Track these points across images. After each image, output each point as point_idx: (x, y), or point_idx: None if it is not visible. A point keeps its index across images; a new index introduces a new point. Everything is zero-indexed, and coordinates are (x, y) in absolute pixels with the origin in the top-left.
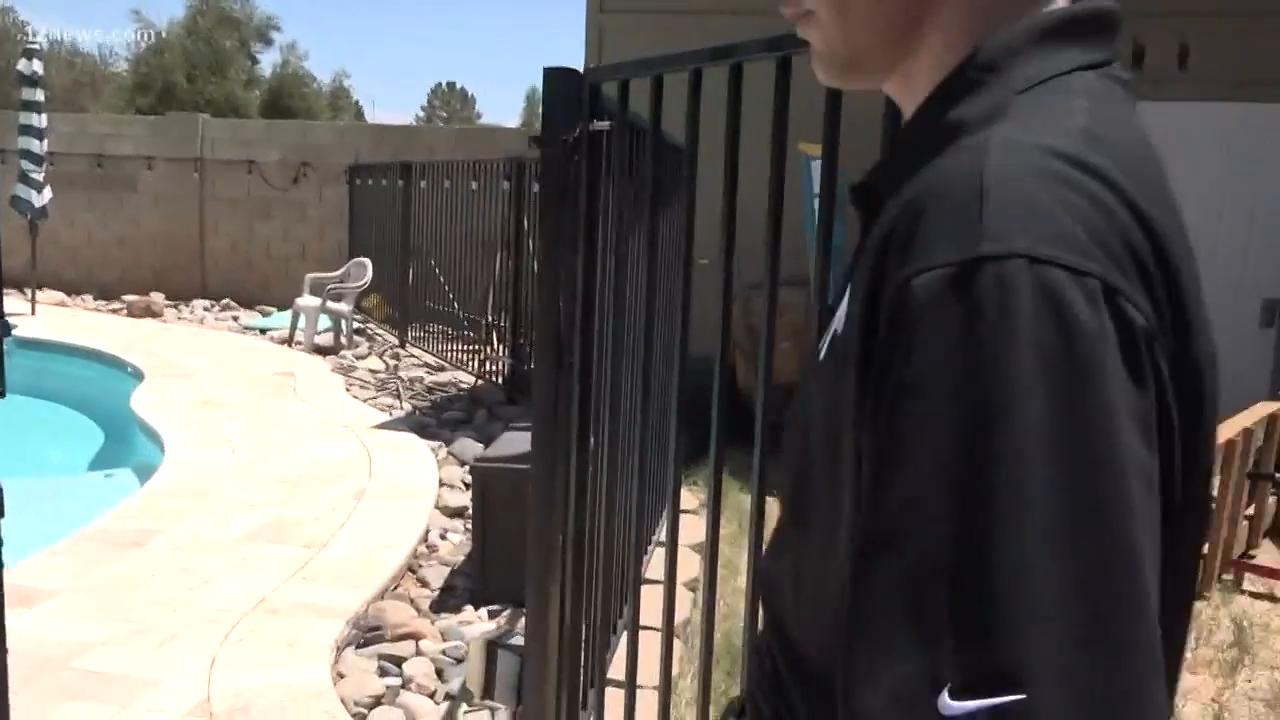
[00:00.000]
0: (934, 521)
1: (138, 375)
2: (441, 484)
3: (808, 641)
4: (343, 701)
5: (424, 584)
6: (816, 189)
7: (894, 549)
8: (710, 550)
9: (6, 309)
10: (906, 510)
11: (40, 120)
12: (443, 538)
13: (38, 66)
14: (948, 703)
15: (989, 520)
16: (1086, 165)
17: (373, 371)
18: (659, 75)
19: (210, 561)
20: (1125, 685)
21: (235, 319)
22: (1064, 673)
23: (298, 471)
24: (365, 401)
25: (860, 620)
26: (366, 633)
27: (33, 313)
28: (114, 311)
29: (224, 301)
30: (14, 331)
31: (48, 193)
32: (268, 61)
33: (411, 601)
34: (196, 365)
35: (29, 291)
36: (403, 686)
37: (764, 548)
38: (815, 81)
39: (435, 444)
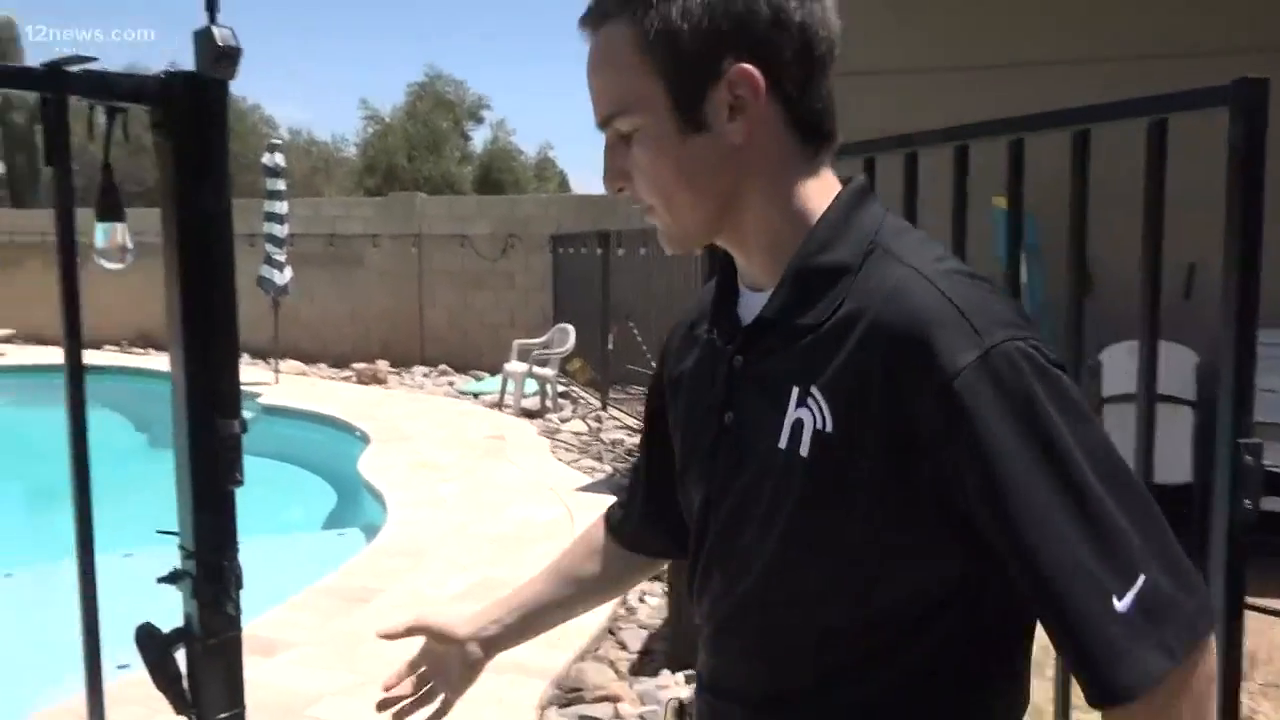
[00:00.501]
0: (1068, 526)
1: (364, 439)
2: None
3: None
4: None
5: (622, 646)
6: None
7: (1052, 549)
8: None
9: (254, 379)
10: (1046, 527)
11: (282, 207)
12: (641, 600)
13: (280, 159)
14: (1118, 604)
15: (1093, 505)
16: (973, 274)
17: (576, 434)
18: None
19: None
20: (1175, 552)
21: (450, 384)
22: (1152, 555)
23: (506, 533)
24: (569, 464)
25: (1062, 595)
26: (568, 693)
27: (276, 381)
28: (345, 379)
29: (440, 367)
30: (260, 399)
31: (288, 272)
32: (479, 138)
33: (611, 664)
34: (415, 429)
35: (273, 362)
36: None
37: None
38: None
39: None
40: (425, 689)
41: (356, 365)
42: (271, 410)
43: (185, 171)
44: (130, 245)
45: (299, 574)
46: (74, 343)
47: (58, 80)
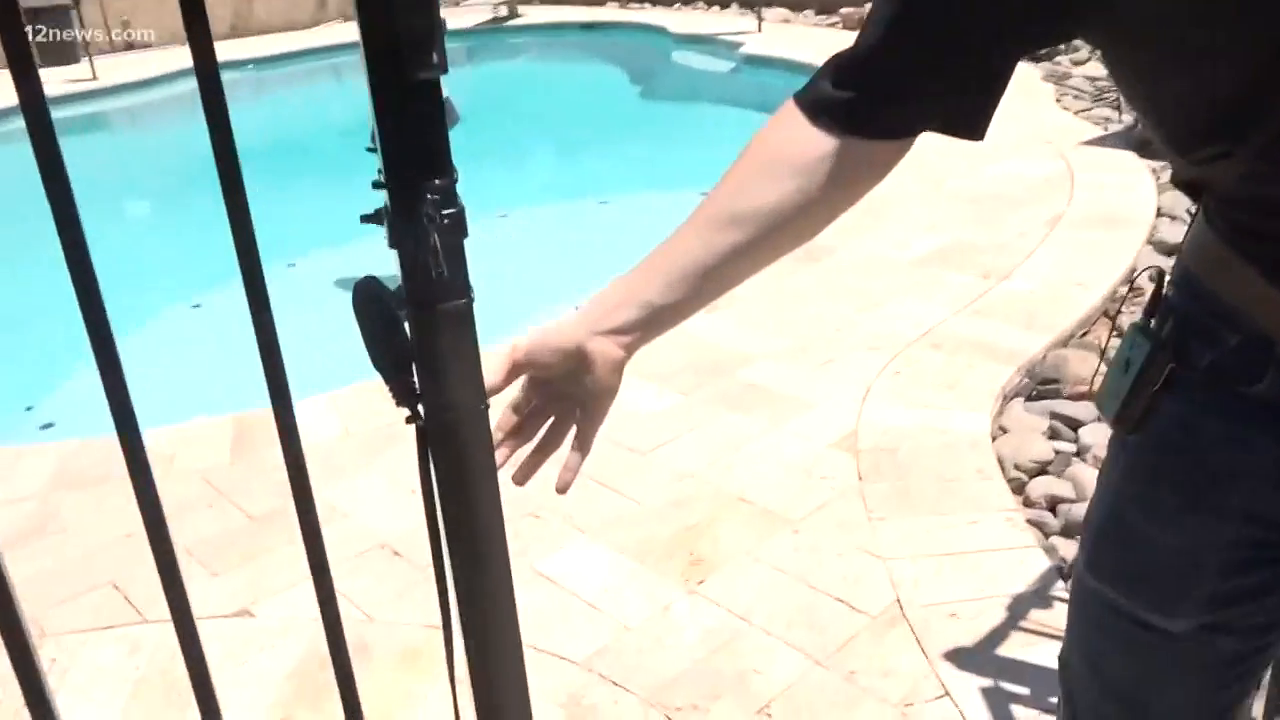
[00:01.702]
0: None
1: None
2: (1159, 213)
3: None
4: (1000, 461)
5: (1119, 333)
6: None
7: None
8: None
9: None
10: None
11: None
12: (1151, 279)
13: None
14: None
15: None
16: None
17: (1090, 79)
18: None
19: (880, 284)
20: None
21: None
22: None
23: (986, 191)
24: (1076, 114)
25: None
26: (1040, 384)
27: (759, 30)
28: (830, 25)
29: None
30: (741, 49)
31: None
32: None
33: (1101, 353)
34: None
35: (757, 10)
36: (1076, 455)
37: None
38: None
39: (1158, 164)
40: (548, 426)
41: (843, 10)
42: (753, 60)
43: None
44: None
45: None
46: None
47: None
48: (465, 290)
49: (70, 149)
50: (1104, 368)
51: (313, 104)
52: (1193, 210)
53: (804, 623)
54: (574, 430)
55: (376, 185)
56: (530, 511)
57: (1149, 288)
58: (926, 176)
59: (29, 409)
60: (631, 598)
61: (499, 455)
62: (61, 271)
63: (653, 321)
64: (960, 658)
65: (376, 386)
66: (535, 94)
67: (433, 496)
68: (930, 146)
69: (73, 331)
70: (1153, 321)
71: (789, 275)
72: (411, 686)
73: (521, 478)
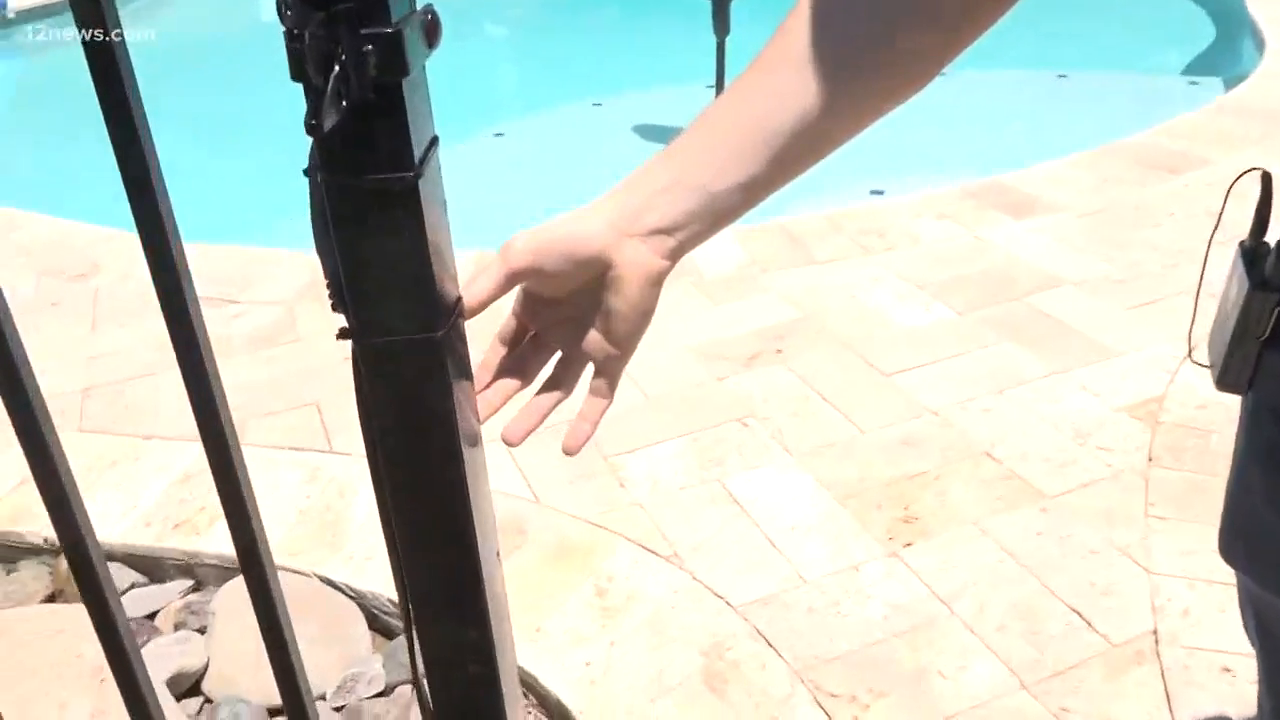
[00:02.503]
0: None
1: None
2: None
3: None
4: None
5: None
6: None
7: None
8: None
9: None
10: None
11: None
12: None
13: None
14: None
15: None
16: None
17: None
18: None
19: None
20: None
21: None
22: None
23: None
24: None
25: None
26: None
27: None
28: None
29: None
30: None
31: None
32: None
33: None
34: None
35: None
36: None
37: None
38: None
39: None
40: (553, 364)
41: None
42: None
43: None
44: None
45: (1112, 123)
46: None
47: None
48: (405, 160)
49: None
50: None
51: None
52: None
53: (1021, 628)
54: (589, 371)
55: None
56: (738, 416)
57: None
58: None
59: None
60: (820, 544)
61: (483, 405)
62: None
63: (708, 215)
64: None
65: None
66: None
67: (376, 455)
68: None
69: None
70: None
71: (1136, 184)
72: (555, 588)
73: (516, 435)
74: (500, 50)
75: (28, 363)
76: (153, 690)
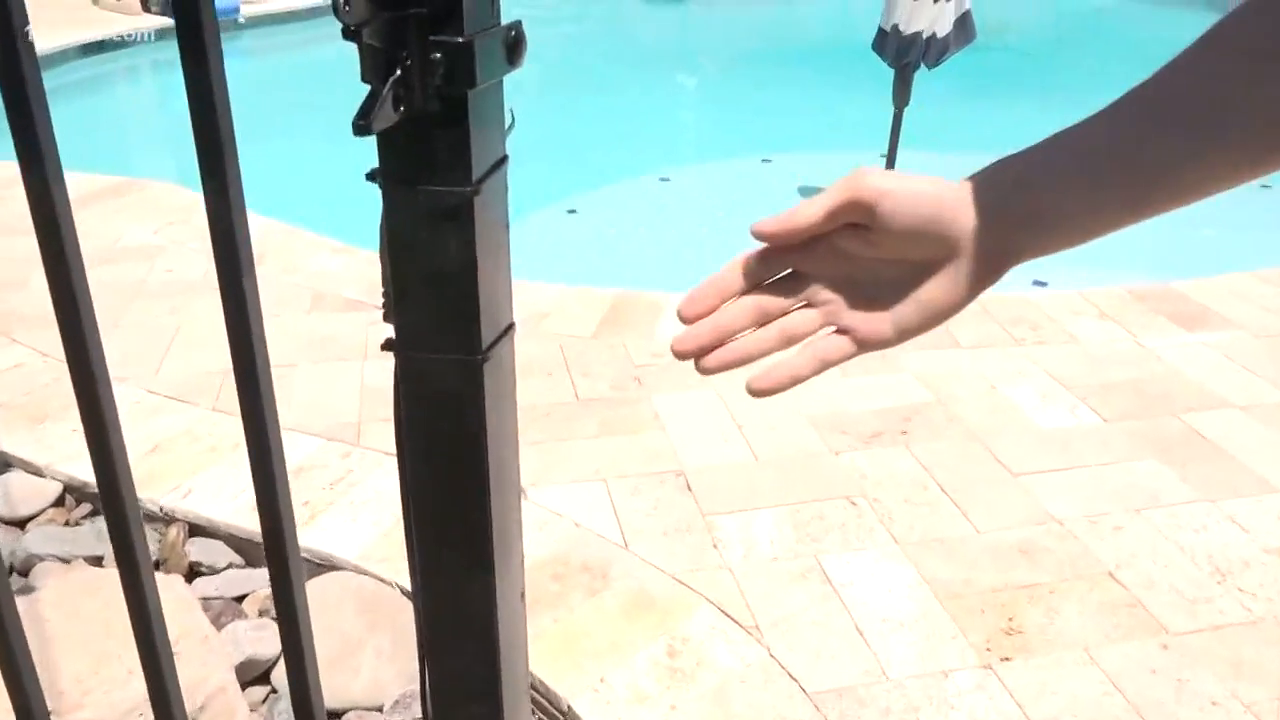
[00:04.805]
0: None
1: None
2: None
3: None
4: None
5: None
6: None
7: None
8: None
9: None
10: None
11: None
12: None
13: None
14: None
15: None
16: None
17: None
18: None
19: None
20: None
21: None
22: None
23: None
24: None
25: None
26: None
27: None
28: None
29: None
30: None
31: None
32: None
33: None
34: None
35: None
36: None
37: None
38: None
39: None
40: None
41: None
42: None
43: None
44: None
45: None
46: None
47: None
48: (463, 175)
49: None
50: None
51: None
52: None
53: None
54: (827, 331)
55: None
56: (847, 494)
57: None
58: None
59: None
60: (911, 642)
61: (686, 339)
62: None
63: (1075, 216)
64: None
65: None
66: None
67: (407, 479)
68: None
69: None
70: None
71: None
72: (627, 640)
73: (713, 363)
74: (682, 98)
75: (95, 324)
76: (169, 653)
